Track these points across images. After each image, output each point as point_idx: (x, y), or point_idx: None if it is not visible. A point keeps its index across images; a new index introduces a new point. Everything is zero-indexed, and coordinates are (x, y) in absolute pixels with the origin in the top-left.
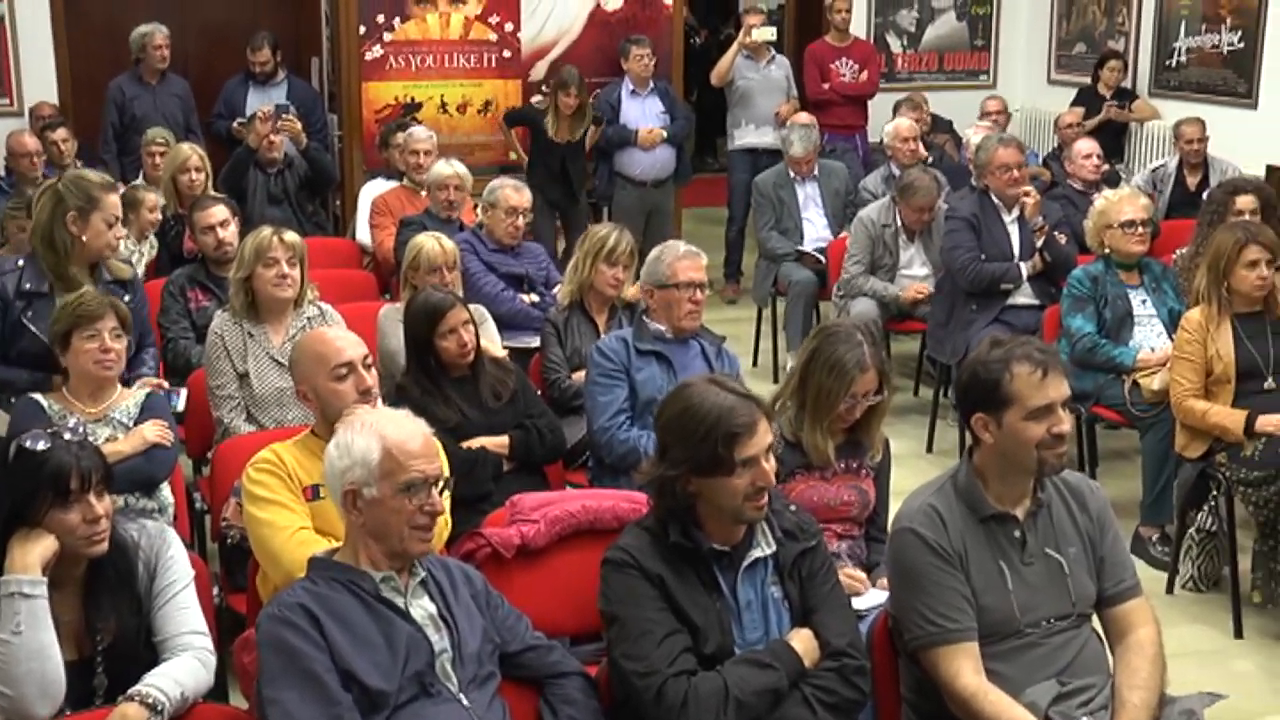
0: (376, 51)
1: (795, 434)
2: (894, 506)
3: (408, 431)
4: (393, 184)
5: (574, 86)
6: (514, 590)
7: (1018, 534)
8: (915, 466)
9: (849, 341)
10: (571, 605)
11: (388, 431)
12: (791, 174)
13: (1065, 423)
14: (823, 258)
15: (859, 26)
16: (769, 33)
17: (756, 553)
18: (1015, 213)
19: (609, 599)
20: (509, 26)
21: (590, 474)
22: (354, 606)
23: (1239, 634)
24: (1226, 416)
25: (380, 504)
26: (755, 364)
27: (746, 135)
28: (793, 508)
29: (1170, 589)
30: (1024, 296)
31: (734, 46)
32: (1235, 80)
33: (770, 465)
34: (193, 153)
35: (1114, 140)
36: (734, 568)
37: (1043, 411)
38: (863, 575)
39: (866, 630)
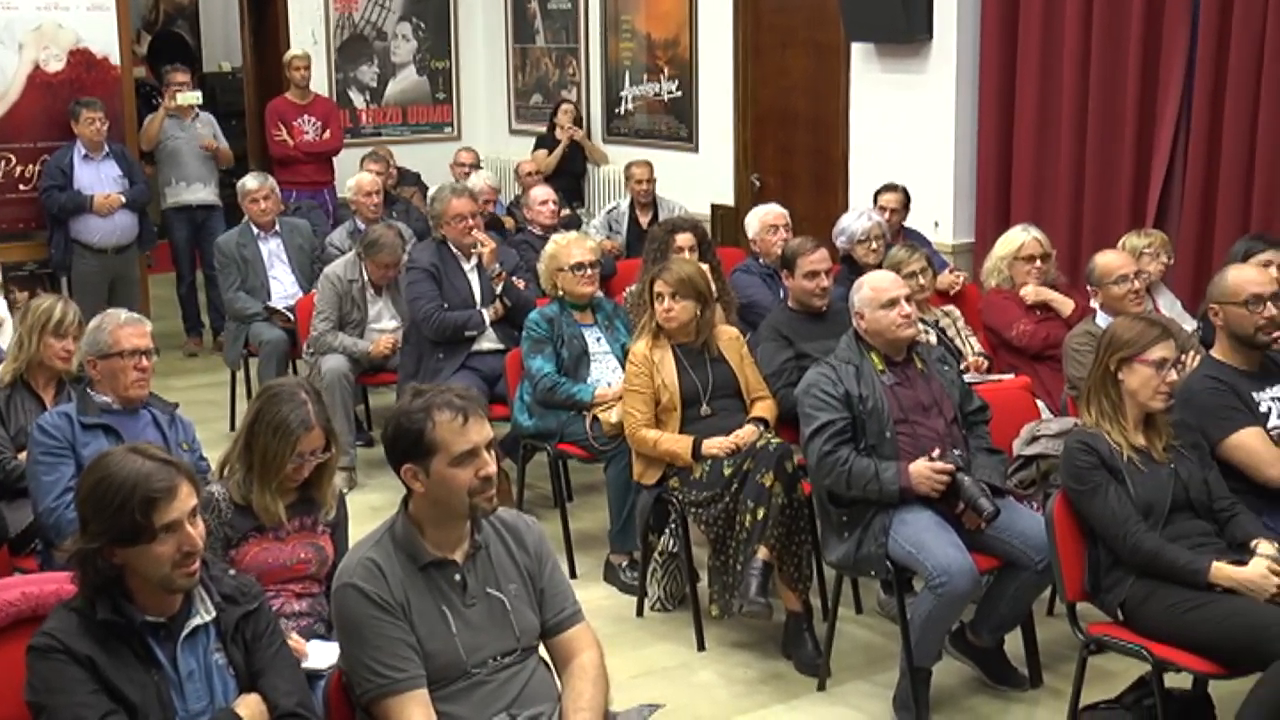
0: None
1: (244, 497)
2: None
3: None
4: None
5: None
6: None
7: (458, 577)
8: None
9: (292, 401)
10: (16, 701)
11: None
12: (255, 231)
13: (491, 465)
14: (292, 315)
15: (320, 83)
16: (194, 97)
17: (196, 621)
18: (474, 260)
19: (35, 689)
20: None
21: (40, 559)
22: None
23: (701, 647)
24: (675, 443)
25: None
26: (233, 428)
27: (180, 193)
28: (232, 572)
29: (640, 612)
30: (489, 342)
31: (160, 111)
32: (678, 126)
33: (197, 530)
34: None
35: (574, 184)
36: (172, 638)
37: (467, 456)
38: (300, 641)
39: (324, 687)
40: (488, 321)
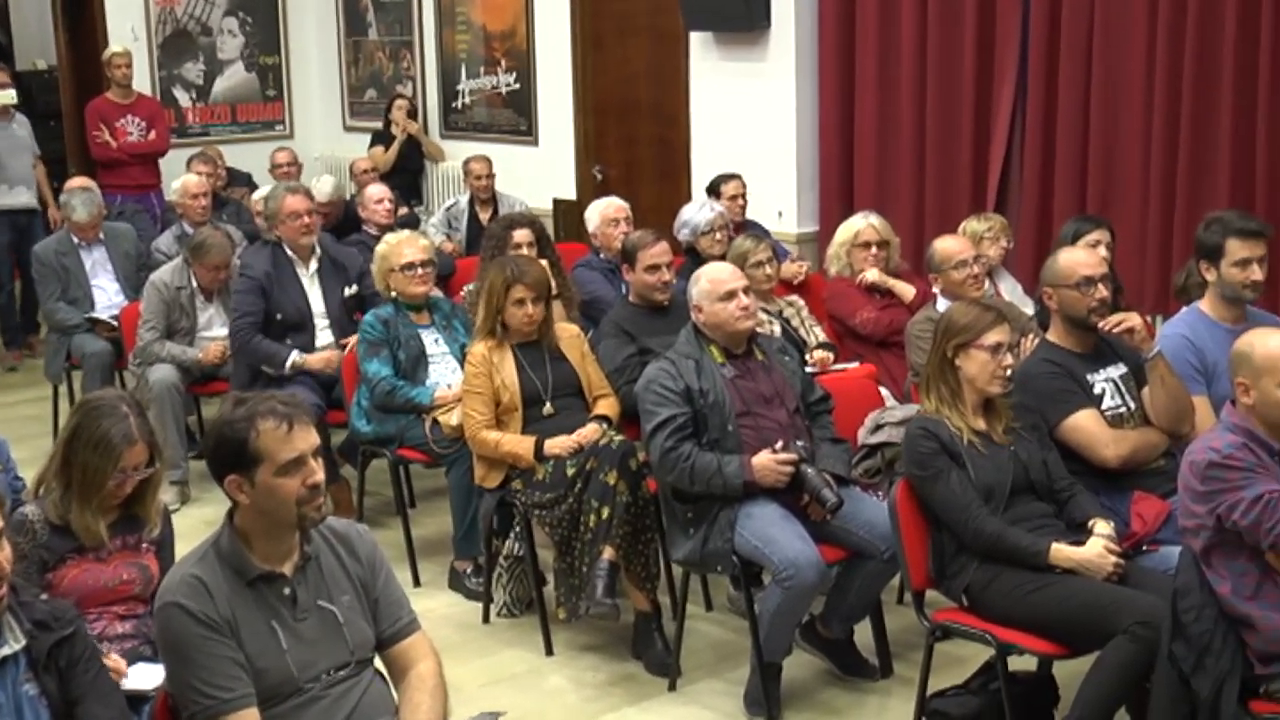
0: None
1: (62, 516)
2: None
3: None
4: None
5: None
6: None
7: (288, 591)
8: None
9: (113, 415)
10: None
11: None
12: (75, 240)
13: (319, 473)
14: (117, 325)
15: (142, 82)
16: (9, 95)
17: (4, 650)
18: (314, 266)
19: None
20: None
21: None
22: None
23: (550, 651)
24: (517, 444)
25: None
26: None
27: (1, 197)
28: (44, 597)
29: (486, 618)
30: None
31: None
32: (517, 119)
33: (4, 554)
34: None
35: (412, 182)
36: None
37: (294, 465)
38: (119, 660)
39: (149, 710)
40: (289, 366)
